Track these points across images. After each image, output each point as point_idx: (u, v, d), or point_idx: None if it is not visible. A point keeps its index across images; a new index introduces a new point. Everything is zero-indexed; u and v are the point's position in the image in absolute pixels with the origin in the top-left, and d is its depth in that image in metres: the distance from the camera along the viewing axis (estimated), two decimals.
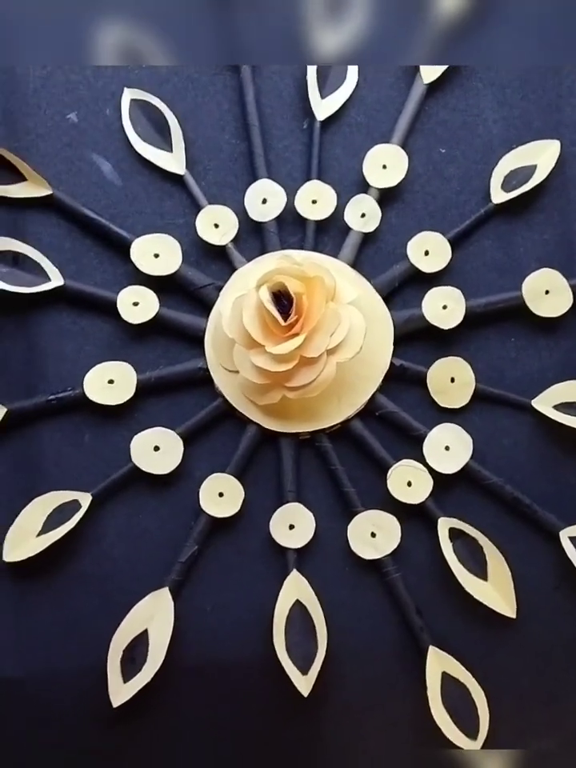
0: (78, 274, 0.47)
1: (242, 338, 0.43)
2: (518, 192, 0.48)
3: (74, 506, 0.45)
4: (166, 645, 0.44)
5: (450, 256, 0.47)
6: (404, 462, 0.46)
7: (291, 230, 0.48)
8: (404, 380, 0.47)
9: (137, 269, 0.47)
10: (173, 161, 0.48)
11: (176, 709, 0.45)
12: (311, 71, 0.48)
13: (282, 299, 0.42)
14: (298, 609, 0.44)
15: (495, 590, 0.45)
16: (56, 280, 0.47)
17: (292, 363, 0.42)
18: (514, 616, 0.45)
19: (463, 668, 0.44)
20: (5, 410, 0.46)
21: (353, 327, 0.43)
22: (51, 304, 0.47)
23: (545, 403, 0.46)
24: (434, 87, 0.49)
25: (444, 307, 0.47)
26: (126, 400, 0.46)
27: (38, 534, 0.45)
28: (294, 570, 0.45)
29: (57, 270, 0.47)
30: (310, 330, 0.42)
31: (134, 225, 0.48)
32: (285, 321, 0.42)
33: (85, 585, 0.46)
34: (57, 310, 0.47)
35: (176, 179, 0.48)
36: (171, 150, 0.48)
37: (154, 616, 0.44)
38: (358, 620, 0.46)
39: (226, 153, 0.49)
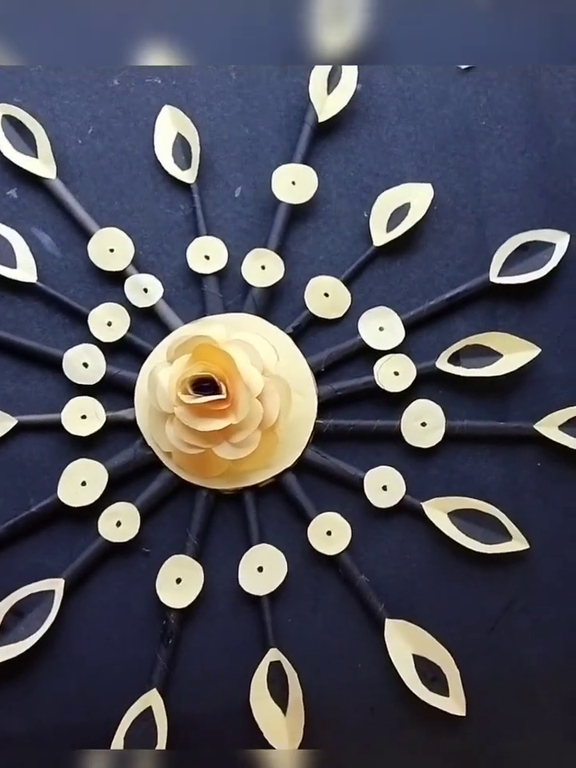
0: None
1: (205, 441, 0.44)
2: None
3: None
4: None
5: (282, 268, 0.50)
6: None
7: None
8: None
9: None
10: None
11: None
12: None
13: (202, 385, 0.43)
14: None
15: None
16: None
17: (260, 409, 0.44)
18: None
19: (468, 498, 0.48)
20: None
21: (259, 348, 0.45)
22: None
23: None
24: None
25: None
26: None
27: None
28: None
29: None
30: (237, 386, 0.43)
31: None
32: (224, 394, 0.42)
33: None
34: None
35: None
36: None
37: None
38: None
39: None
